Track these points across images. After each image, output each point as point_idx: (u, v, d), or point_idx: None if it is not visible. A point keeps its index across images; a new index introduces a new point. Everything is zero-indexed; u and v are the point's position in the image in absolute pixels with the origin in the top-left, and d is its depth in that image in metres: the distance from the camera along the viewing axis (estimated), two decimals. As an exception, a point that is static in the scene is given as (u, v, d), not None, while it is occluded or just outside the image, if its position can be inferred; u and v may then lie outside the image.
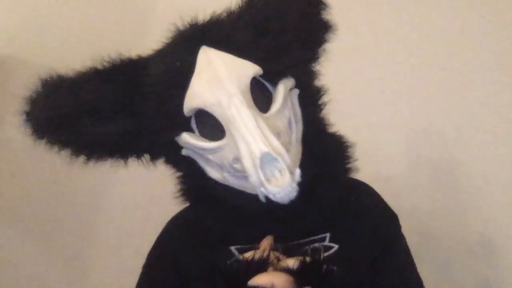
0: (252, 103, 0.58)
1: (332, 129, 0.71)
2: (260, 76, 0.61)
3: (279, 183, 0.53)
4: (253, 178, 0.55)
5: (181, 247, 0.72)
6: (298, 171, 0.56)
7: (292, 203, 0.58)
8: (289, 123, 0.64)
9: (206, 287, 0.64)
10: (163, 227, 0.79)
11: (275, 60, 0.62)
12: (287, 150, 0.58)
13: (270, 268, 0.53)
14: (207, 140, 0.61)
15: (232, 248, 0.68)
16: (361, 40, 1.48)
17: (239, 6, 0.68)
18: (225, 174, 0.63)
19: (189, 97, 0.59)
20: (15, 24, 1.45)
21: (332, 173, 0.66)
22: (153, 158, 0.70)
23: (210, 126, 0.61)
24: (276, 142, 0.55)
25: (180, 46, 0.63)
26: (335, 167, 0.67)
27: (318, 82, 0.73)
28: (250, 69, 0.59)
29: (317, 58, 0.72)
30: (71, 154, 0.66)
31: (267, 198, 0.57)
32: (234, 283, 0.51)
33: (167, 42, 0.67)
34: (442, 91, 1.44)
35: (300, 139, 0.65)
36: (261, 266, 0.53)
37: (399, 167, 1.44)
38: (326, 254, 0.67)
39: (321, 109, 0.71)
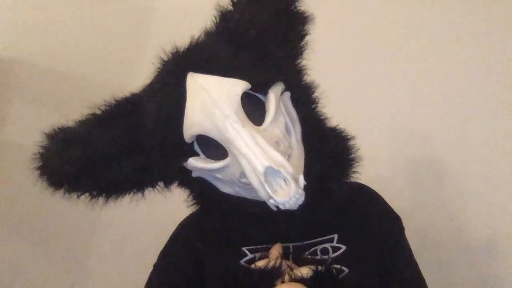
0: (246, 119, 0.60)
1: (330, 124, 0.72)
2: (250, 89, 0.63)
3: (286, 193, 0.55)
4: (261, 193, 0.58)
5: (196, 246, 0.75)
6: (301, 178, 0.57)
7: (302, 205, 0.60)
8: (286, 128, 0.65)
9: (218, 286, 0.68)
10: (163, 228, 0.80)
11: (260, 71, 0.64)
12: (289, 155, 0.61)
13: (285, 278, 0.57)
14: (212, 161, 0.64)
15: (244, 248, 0.71)
16: (354, 40, 1.47)
17: (214, 22, 0.69)
18: (237, 188, 0.66)
19: (187, 126, 0.62)
20: (16, 27, 1.46)
21: (338, 167, 0.67)
22: (167, 184, 0.73)
23: (213, 146, 0.64)
24: (276, 154, 0.57)
25: (166, 78, 0.65)
26: (339, 161, 0.68)
27: (307, 79, 0.74)
28: (238, 86, 0.61)
29: (301, 53, 0.73)
30: (90, 199, 0.71)
31: (277, 207, 0.59)
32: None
33: (155, 75, 0.68)
34: (439, 90, 1.43)
35: (300, 140, 0.67)
36: (274, 275, 0.57)
37: (399, 168, 1.44)
38: (334, 255, 0.69)
39: (316, 105, 0.72)
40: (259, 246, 0.70)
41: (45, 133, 0.70)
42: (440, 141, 1.40)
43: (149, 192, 0.73)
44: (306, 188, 0.57)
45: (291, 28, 0.70)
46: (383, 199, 0.80)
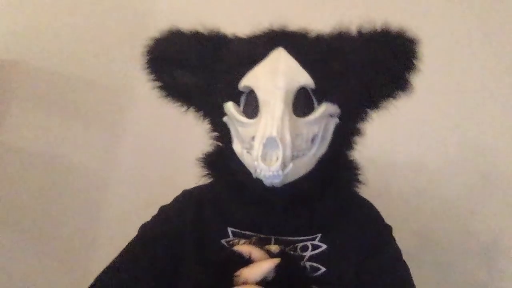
0: (289, 102, 0.67)
1: (351, 157, 0.78)
2: (312, 90, 0.70)
3: (271, 164, 0.62)
4: (254, 152, 0.64)
5: (187, 214, 0.79)
6: (290, 166, 0.64)
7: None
8: (314, 138, 0.70)
9: (195, 255, 0.73)
10: None
11: (330, 84, 0.70)
12: (297, 156, 0.66)
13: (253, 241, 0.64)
14: (243, 115, 0.71)
15: (229, 229, 0.75)
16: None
17: (331, 33, 0.76)
18: (244, 150, 0.71)
19: (248, 76, 0.70)
20: (16, 28, 1.49)
21: (335, 189, 0.73)
22: (204, 116, 0.82)
23: (252, 106, 0.71)
24: (288, 136, 0.63)
25: (263, 39, 0.74)
26: (340, 185, 0.74)
27: (360, 125, 0.79)
28: (304, 78, 0.68)
29: (375, 106, 0.78)
30: (159, 87, 0.80)
31: (265, 191, 0.66)
32: (221, 269, 0.59)
33: (255, 32, 0.77)
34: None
35: (317, 157, 0.72)
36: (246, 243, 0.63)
37: (399, 169, 1.41)
38: (313, 252, 0.72)
39: (351, 148, 0.78)
40: (242, 231, 0.75)
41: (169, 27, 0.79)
42: (439, 142, 1.40)
43: (191, 112, 0.81)
44: (300, 188, 0.65)
45: (386, 87, 0.76)
46: (376, 210, 0.83)
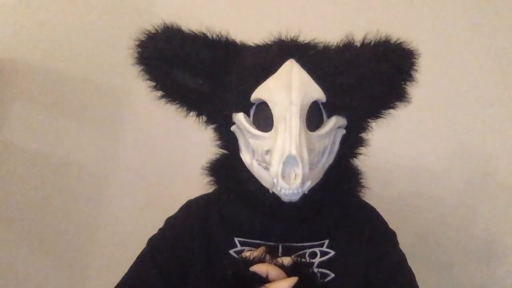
0: (304, 117, 0.68)
1: (355, 165, 0.79)
2: (322, 103, 0.71)
3: (291, 182, 0.63)
4: (273, 169, 0.64)
5: (194, 226, 0.79)
6: (308, 183, 0.65)
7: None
8: (324, 150, 0.72)
9: (203, 267, 0.74)
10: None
11: (340, 98, 0.72)
12: (311, 169, 0.67)
13: (267, 260, 0.64)
14: (254, 127, 0.71)
15: (236, 239, 0.76)
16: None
17: (338, 44, 0.78)
18: (254, 161, 0.72)
19: (261, 89, 0.71)
20: (16, 27, 1.47)
21: (339, 196, 0.75)
22: (208, 122, 0.82)
23: (263, 118, 0.71)
24: (305, 153, 0.64)
25: (275, 50, 0.75)
26: (344, 193, 0.76)
27: (364, 135, 0.81)
28: (317, 93, 0.69)
29: (378, 116, 0.81)
30: (155, 88, 0.78)
31: (273, 193, 0.66)
32: (235, 277, 0.61)
33: (268, 42, 0.78)
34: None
35: (325, 169, 0.74)
36: (258, 261, 0.63)
37: (400, 169, 1.43)
38: (322, 259, 0.74)
39: (355, 157, 0.80)
40: (250, 240, 0.75)
41: (164, 23, 0.77)
42: (439, 142, 1.43)
43: (191, 116, 0.80)
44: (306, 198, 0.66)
45: (389, 96, 0.80)
46: (381, 217, 0.85)
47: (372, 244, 0.78)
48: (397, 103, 0.81)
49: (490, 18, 1.51)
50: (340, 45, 0.78)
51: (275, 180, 0.64)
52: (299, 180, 0.62)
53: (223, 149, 0.81)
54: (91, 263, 1.51)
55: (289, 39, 0.76)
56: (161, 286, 0.72)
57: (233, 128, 0.75)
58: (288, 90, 0.68)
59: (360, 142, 0.80)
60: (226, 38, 0.78)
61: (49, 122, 1.50)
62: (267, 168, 0.68)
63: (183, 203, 0.86)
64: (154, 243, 0.79)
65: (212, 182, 0.79)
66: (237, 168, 0.76)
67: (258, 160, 0.71)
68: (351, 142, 0.78)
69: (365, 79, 0.75)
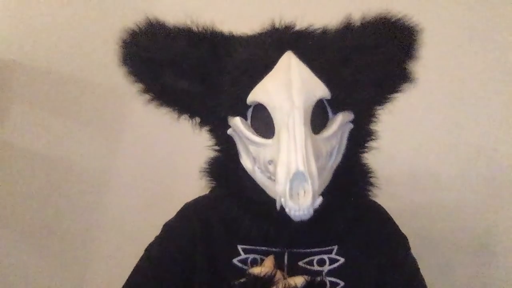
0: (309, 121, 0.61)
1: (364, 161, 0.73)
2: (326, 99, 0.64)
3: (300, 202, 0.56)
4: (280, 187, 0.57)
5: (195, 231, 0.74)
6: (319, 200, 0.57)
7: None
8: (331, 152, 0.66)
9: (206, 277, 0.69)
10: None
11: (346, 92, 0.65)
12: (320, 175, 0.60)
13: (279, 286, 0.59)
14: (254, 133, 0.65)
15: (239, 247, 0.71)
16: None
17: (336, 28, 0.71)
18: (256, 168, 0.66)
19: (257, 90, 0.63)
20: (16, 28, 1.47)
21: (350, 199, 0.69)
22: (202, 124, 0.75)
23: (263, 122, 0.64)
24: (314, 167, 0.57)
25: (269, 41, 0.67)
26: (354, 195, 0.70)
27: (373, 126, 0.75)
28: (320, 90, 0.62)
29: (384, 103, 0.75)
30: (143, 91, 0.72)
31: (281, 208, 0.59)
32: None
33: (260, 32, 0.70)
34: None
35: (333, 169, 0.67)
36: (268, 282, 0.59)
37: (400, 168, 1.41)
38: (331, 267, 0.69)
39: (365, 151, 0.74)
40: (253, 247, 0.71)
41: (148, 17, 0.71)
42: (439, 142, 1.39)
43: (184, 119, 0.74)
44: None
45: (394, 78, 0.72)
46: (393, 220, 0.80)
47: (385, 250, 0.74)
48: (404, 84, 0.73)
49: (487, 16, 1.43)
50: (340, 29, 0.71)
51: (282, 200, 0.57)
52: (309, 199, 0.55)
53: (221, 153, 0.75)
54: (91, 262, 1.50)
55: (284, 28, 0.69)
56: None
57: (229, 131, 0.69)
58: (289, 90, 0.60)
59: (369, 135, 0.73)
60: (213, 31, 0.71)
61: (49, 122, 1.50)
62: (271, 178, 0.63)
63: (182, 205, 0.82)
64: (153, 254, 0.74)
65: (212, 186, 0.74)
66: (238, 173, 0.70)
67: (260, 168, 0.65)
68: (360, 137, 0.71)
69: (370, 64, 0.68)
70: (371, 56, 0.68)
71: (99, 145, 1.52)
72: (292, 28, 0.69)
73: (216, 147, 0.75)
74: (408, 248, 0.78)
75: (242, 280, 0.63)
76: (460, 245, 1.35)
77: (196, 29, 0.70)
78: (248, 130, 0.65)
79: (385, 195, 0.77)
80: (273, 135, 0.62)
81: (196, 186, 0.78)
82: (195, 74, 0.70)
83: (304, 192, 0.56)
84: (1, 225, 1.47)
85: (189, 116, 0.74)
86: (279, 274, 0.62)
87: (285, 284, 0.59)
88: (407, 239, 0.78)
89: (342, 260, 0.70)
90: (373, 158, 0.76)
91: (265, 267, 0.63)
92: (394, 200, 0.82)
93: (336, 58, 0.66)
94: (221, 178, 0.73)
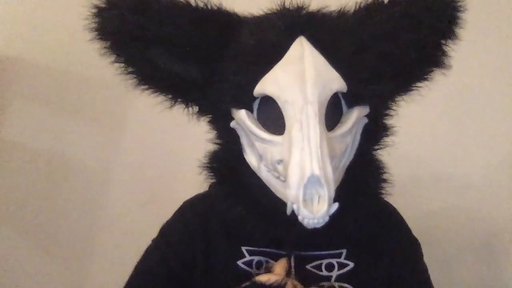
0: (323, 118, 0.55)
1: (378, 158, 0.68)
2: (342, 94, 0.58)
3: (315, 210, 0.50)
4: (292, 192, 0.52)
5: (196, 232, 0.70)
6: (335, 206, 0.52)
7: None
8: (345, 150, 0.60)
9: (207, 279, 0.65)
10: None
11: (364, 85, 0.58)
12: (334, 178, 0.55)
13: None
14: (262, 128, 0.58)
15: (243, 248, 0.67)
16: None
17: (355, 10, 0.64)
18: (262, 166, 0.60)
19: (266, 81, 0.56)
20: (16, 26, 1.46)
21: (361, 199, 0.63)
22: (201, 113, 0.68)
23: (271, 116, 0.58)
24: (329, 169, 0.51)
25: (279, 25, 0.59)
26: (366, 195, 0.64)
27: (388, 121, 0.68)
28: (336, 83, 0.56)
29: (404, 95, 0.68)
30: (124, 73, 0.64)
31: (292, 213, 0.54)
32: None
33: (269, 13, 0.63)
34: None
35: (345, 168, 0.62)
36: None
37: (401, 168, 1.33)
38: (340, 272, 0.65)
39: (380, 148, 0.68)
40: (258, 249, 0.66)
41: None
42: (439, 142, 1.38)
43: (178, 107, 0.67)
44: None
45: (416, 68, 0.66)
46: (405, 223, 0.76)
47: (397, 254, 0.70)
48: (434, 71, 0.66)
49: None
50: (361, 8, 0.63)
51: (294, 206, 0.52)
52: (324, 206, 0.50)
53: (223, 147, 0.68)
54: (91, 262, 1.49)
55: (296, 8, 0.61)
56: None
57: (232, 124, 0.62)
58: (302, 83, 0.54)
59: (385, 131, 0.67)
60: (219, 8, 0.62)
61: (49, 121, 1.49)
62: (279, 178, 0.57)
63: (181, 204, 0.77)
64: (150, 262, 0.70)
65: (213, 183, 0.67)
66: (241, 171, 0.63)
67: (267, 167, 0.59)
68: (375, 132, 0.65)
69: (395, 50, 0.61)
70: (400, 39, 0.61)
71: (99, 142, 1.51)
72: (305, 9, 0.61)
73: (218, 141, 0.68)
74: (420, 255, 0.73)
75: (247, 284, 0.59)
76: (464, 245, 1.34)
77: (198, 4, 0.61)
78: (255, 125, 0.58)
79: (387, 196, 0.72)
80: (283, 131, 0.56)
81: (197, 185, 0.73)
82: (194, 57, 0.62)
83: (319, 198, 0.50)
84: (0, 224, 1.46)
85: (185, 105, 0.67)
86: (290, 285, 0.56)
87: None
88: (419, 245, 0.74)
89: (351, 265, 0.66)
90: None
91: (274, 275, 0.58)
92: (397, 201, 0.77)
93: (354, 45, 0.59)
94: (222, 174, 0.66)
